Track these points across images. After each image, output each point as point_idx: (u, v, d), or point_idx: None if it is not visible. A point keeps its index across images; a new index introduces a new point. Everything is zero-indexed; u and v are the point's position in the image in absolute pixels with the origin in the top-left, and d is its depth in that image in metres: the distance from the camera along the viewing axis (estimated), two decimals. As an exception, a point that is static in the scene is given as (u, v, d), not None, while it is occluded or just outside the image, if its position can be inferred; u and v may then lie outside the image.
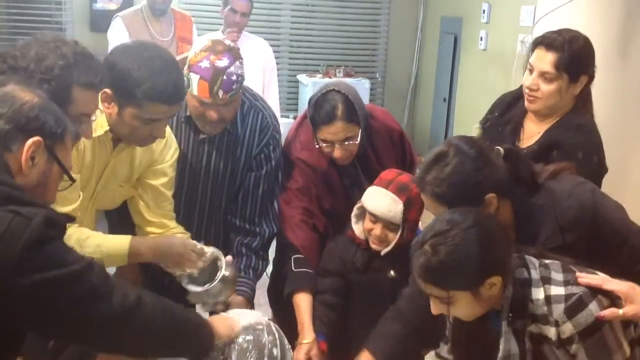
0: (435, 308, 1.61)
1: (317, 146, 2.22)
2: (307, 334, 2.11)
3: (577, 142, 2.14)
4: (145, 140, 1.96)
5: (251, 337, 1.69)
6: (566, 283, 1.55)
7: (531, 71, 2.20)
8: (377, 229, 2.09)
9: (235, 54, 2.03)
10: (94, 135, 1.86)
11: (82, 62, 1.66)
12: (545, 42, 2.17)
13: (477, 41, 4.76)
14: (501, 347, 1.59)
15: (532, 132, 2.28)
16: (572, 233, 1.74)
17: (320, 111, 2.18)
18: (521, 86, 2.32)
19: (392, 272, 2.13)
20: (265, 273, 2.38)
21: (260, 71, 4.10)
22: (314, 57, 5.71)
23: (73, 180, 1.51)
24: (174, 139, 2.15)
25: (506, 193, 1.75)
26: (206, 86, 1.99)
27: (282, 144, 2.39)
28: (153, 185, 2.12)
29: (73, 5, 5.06)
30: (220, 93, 2.00)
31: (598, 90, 3.28)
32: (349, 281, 2.20)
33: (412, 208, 2.05)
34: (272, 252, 2.44)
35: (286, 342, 1.76)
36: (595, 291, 1.54)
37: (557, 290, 1.55)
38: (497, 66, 4.47)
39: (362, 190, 2.20)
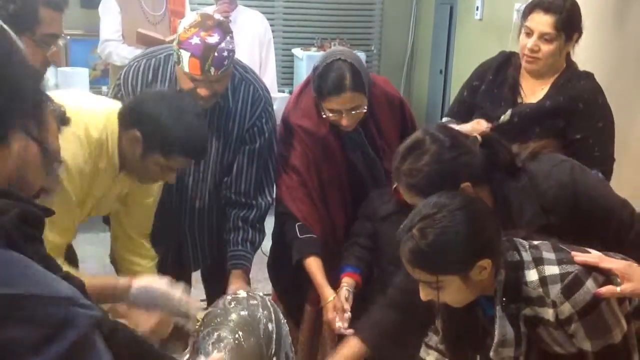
0: (424, 294, 1.59)
1: (323, 116, 2.22)
2: (327, 293, 2.17)
3: (594, 87, 2.37)
4: (154, 181, 2.01)
5: (246, 313, 1.68)
6: (559, 262, 1.53)
7: (529, 34, 2.32)
8: None
9: (225, 29, 2.01)
10: (100, 165, 1.87)
11: None
12: (542, 5, 2.29)
13: (473, 11, 4.70)
14: (496, 332, 1.56)
15: (533, 89, 2.41)
16: (555, 213, 1.73)
17: (327, 82, 2.16)
18: (502, 52, 2.54)
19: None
20: (261, 250, 2.37)
21: (256, 45, 4.01)
22: (309, 30, 5.65)
23: (55, 160, 1.33)
24: None
25: (483, 180, 1.74)
26: (197, 63, 1.97)
27: (281, 114, 2.38)
28: (141, 203, 2.13)
29: (63, -19, 4.99)
30: (212, 70, 1.98)
31: (595, 54, 3.26)
32: (375, 229, 2.27)
33: None
34: (269, 228, 2.43)
35: (281, 316, 1.75)
36: (590, 269, 1.52)
37: (551, 270, 1.52)
38: (494, 36, 4.42)
39: (365, 156, 2.27)
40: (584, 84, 2.37)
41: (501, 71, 2.47)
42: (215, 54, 1.97)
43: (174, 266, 2.36)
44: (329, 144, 2.31)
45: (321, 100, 2.21)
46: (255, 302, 1.72)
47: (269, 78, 3.97)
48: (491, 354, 1.59)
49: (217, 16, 2.06)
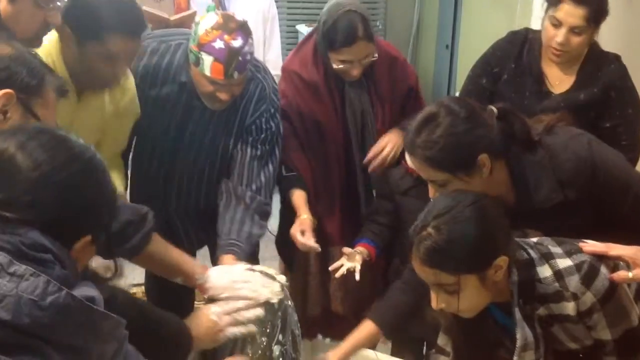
0: (439, 300, 1.53)
1: (337, 68, 2.26)
2: (303, 212, 2.24)
3: (622, 71, 2.31)
4: (109, 81, 1.90)
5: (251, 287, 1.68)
6: (568, 253, 1.51)
7: (556, 26, 2.18)
8: None
9: (246, 31, 1.98)
10: None
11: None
12: None
13: (479, -15, 4.65)
14: (518, 336, 1.52)
15: (559, 77, 2.32)
16: (572, 187, 1.70)
17: (338, 33, 2.21)
18: (515, 34, 2.41)
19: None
20: (268, 230, 2.37)
21: (260, 21, 3.93)
22: (313, 6, 5.57)
23: None
24: (131, 85, 2.11)
25: (500, 153, 1.70)
26: (221, 68, 1.94)
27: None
28: (116, 130, 2.11)
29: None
30: (235, 74, 1.96)
31: (606, 30, 3.21)
32: (396, 203, 2.31)
33: None
34: (275, 208, 2.43)
35: (287, 293, 1.75)
36: (599, 256, 1.50)
37: (564, 263, 1.50)
38: (501, 10, 4.37)
39: (364, 105, 2.35)
40: (614, 69, 2.29)
41: (520, 58, 2.36)
42: (240, 58, 1.94)
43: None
44: (321, 91, 2.35)
45: (333, 51, 2.25)
46: (260, 278, 1.71)
47: (274, 54, 3.92)
48: (515, 359, 1.54)
49: (239, 17, 2.01)
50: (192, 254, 2.46)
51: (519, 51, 2.36)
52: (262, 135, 2.19)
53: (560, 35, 2.19)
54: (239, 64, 1.94)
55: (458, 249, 1.46)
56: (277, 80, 2.42)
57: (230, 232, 2.09)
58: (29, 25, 1.63)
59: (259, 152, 2.19)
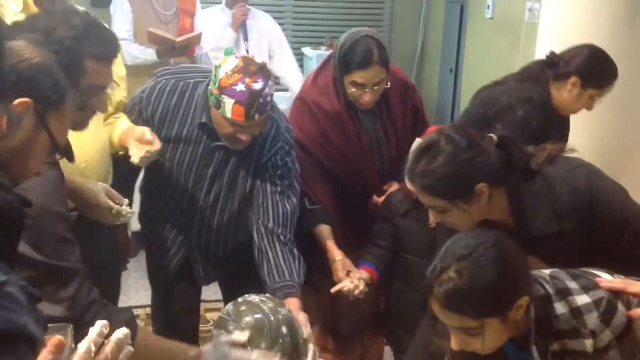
0: (458, 342, 1.49)
1: (348, 91, 2.31)
2: (335, 253, 2.29)
3: None
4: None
5: (259, 316, 1.67)
6: (585, 289, 1.48)
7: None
8: None
9: (266, 73, 2.00)
10: None
11: (93, 33, 1.60)
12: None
13: (484, 9, 4.68)
14: None
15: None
16: (568, 219, 1.69)
17: (355, 55, 2.27)
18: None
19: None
20: None
21: (265, 47, 4.31)
22: (318, 28, 5.63)
23: (61, 153, 1.36)
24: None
25: (499, 181, 1.70)
26: (242, 111, 1.95)
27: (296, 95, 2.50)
28: None
29: (73, -20, 5.00)
30: (257, 116, 1.98)
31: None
32: (396, 225, 2.34)
33: None
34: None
35: (296, 323, 1.74)
36: (615, 292, 1.48)
37: (582, 300, 1.46)
38: (505, 35, 4.40)
39: (378, 134, 2.40)
40: None
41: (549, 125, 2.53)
42: (261, 100, 1.96)
43: (182, 283, 2.40)
44: (344, 120, 2.39)
45: (346, 73, 2.30)
46: (270, 305, 1.71)
47: (293, 69, 4.48)
48: None
49: (258, 60, 2.03)
50: (203, 285, 2.48)
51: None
52: (279, 172, 2.19)
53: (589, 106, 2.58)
54: (260, 105, 1.97)
55: (481, 294, 1.42)
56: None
57: (283, 274, 2.06)
58: (75, 114, 1.62)
59: (278, 188, 2.19)
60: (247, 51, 4.08)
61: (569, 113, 2.64)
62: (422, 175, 1.68)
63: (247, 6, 4.22)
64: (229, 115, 1.98)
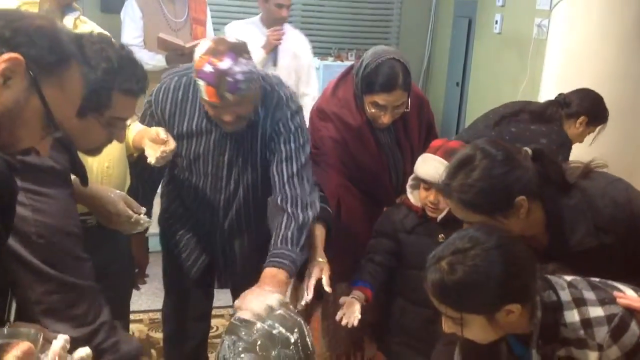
0: (447, 326, 1.54)
1: (369, 112, 2.32)
2: (319, 254, 2.19)
3: None
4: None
5: (270, 322, 1.67)
6: (602, 302, 1.48)
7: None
8: (431, 195, 2.19)
9: (238, 51, 1.96)
10: None
11: (126, 67, 1.62)
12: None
13: (492, 25, 4.70)
14: None
15: None
16: (609, 233, 1.68)
17: (379, 77, 2.26)
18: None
19: (441, 236, 2.19)
20: None
21: (293, 75, 4.02)
22: (326, 40, 5.64)
23: (54, 127, 1.21)
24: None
25: (537, 194, 1.69)
26: (213, 91, 1.95)
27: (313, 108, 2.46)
28: None
29: (84, -15, 5.02)
30: (229, 95, 1.95)
31: (618, 72, 3.25)
32: (399, 242, 2.30)
33: None
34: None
35: (306, 329, 1.74)
36: (632, 310, 1.47)
37: (595, 312, 1.47)
38: (513, 51, 4.41)
39: (393, 150, 2.40)
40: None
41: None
42: (228, 78, 1.93)
43: (199, 289, 2.41)
44: (365, 134, 2.39)
45: (369, 94, 2.29)
46: (279, 312, 1.71)
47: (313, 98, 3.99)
48: None
49: (232, 39, 2.01)
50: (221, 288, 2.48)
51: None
52: (282, 137, 2.16)
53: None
54: (229, 84, 1.93)
55: (465, 293, 1.45)
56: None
57: (277, 242, 2.05)
58: (93, 140, 1.66)
59: (283, 155, 2.15)
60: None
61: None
62: (460, 190, 1.66)
63: (286, 24, 3.97)
64: (205, 97, 1.99)
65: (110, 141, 1.70)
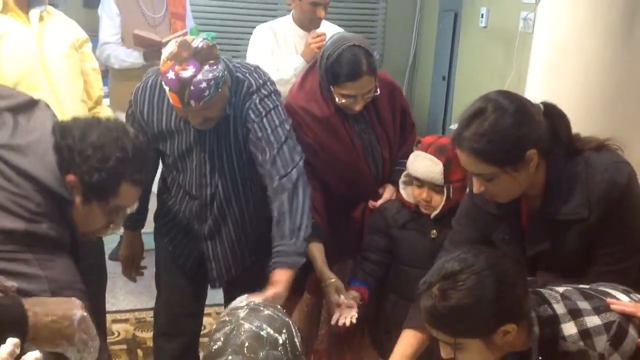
0: (444, 352, 1.52)
1: (337, 102, 2.27)
2: (328, 274, 2.22)
3: None
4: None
5: (258, 323, 1.65)
6: (597, 311, 1.47)
7: None
8: (424, 193, 2.18)
9: (202, 58, 1.93)
10: None
11: (138, 158, 1.64)
12: None
13: (477, 18, 4.69)
14: None
15: None
16: (598, 209, 1.66)
17: (343, 67, 2.21)
18: None
19: (433, 232, 2.20)
20: None
21: None
22: (312, 34, 5.62)
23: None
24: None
25: (546, 151, 1.67)
26: (176, 98, 1.93)
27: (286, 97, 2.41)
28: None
29: (66, -20, 4.95)
30: (192, 103, 1.93)
31: (603, 70, 3.24)
32: (392, 238, 2.30)
33: (453, 168, 2.10)
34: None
35: (294, 329, 1.73)
36: (627, 315, 1.47)
37: (593, 322, 1.46)
38: (499, 44, 4.41)
39: (369, 137, 2.37)
40: None
41: None
42: (192, 87, 1.90)
43: (190, 286, 2.41)
44: (335, 125, 2.35)
45: (336, 85, 2.25)
46: (267, 312, 1.69)
47: None
48: None
49: (196, 43, 1.96)
50: (215, 287, 2.45)
51: None
52: (256, 124, 2.12)
53: None
54: (192, 92, 1.91)
55: (459, 318, 1.44)
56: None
57: (275, 236, 2.03)
58: (92, 226, 1.68)
59: (263, 142, 2.10)
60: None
61: None
62: (472, 139, 1.63)
63: (324, 22, 3.42)
64: (170, 101, 1.98)
65: (108, 228, 1.73)
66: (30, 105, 1.70)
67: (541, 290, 1.55)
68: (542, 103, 1.73)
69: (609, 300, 1.49)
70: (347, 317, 2.12)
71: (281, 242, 2.00)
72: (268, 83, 2.19)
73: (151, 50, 3.71)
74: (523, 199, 1.77)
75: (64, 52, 2.42)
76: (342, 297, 2.17)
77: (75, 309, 1.38)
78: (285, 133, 2.13)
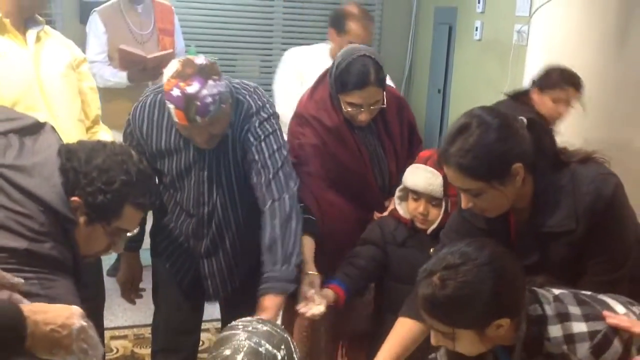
0: (436, 339, 1.55)
1: (344, 110, 2.30)
2: (309, 267, 2.20)
3: None
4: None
5: (257, 340, 1.65)
6: (586, 318, 1.48)
7: None
8: (420, 206, 2.16)
9: (206, 74, 1.95)
10: None
11: (142, 181, 1.66)
12: None
13: (472, 31, 4.72)
14: None
15: None
16: (584, 220, 1.67)
17: (351, 76, 2.25)
18: None
19: (432, 250, 2.13)
20: None
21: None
22: (308, 35, 5.60)
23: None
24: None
25: (531, 165, 1.69)
26: (182, 115, 1.95)
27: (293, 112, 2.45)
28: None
29: (62, -3, 4.97)
30: (198, 118, 1.95)
31: (596, 80, 3.27)
32: (387, 254, 2.27)
33: None
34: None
35: (293, 347, 1.73)
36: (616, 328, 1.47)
37: (579, 328, 1.47)
38: (493, 57, 4.43)
39: (376, 149, 2.38)
40: None
41: None
42: (198, 102, 1.92)
43: (187, 302, 2.40)
44: (344, 134, 2.37)
45: (343, 93, 2.29)
46: (265, 328, 1.69)
47: None
48: None
49: (199, 61, 1.99)
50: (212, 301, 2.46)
51: None
52: (254, 147, 2.14)
53: None
54: (199, 108, 1.92)
55: (456, 308, 1.46)
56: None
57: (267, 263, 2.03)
58: (93, 247, 1.70)
59: (259, 164, 2.12)
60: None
61: None
62: (458, 155, 1.64)
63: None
64: (175, 119, 1.99)
65: (108, 250, 1.74)
66: (36, 127, 1.73)
67: (537, 289, 1.57)
68: (524, 117, 1.74)
69: (605, 312, 1.49)
70: (311, 309, 2.10)
71: (273, 268, 2.01)
72: (267, 105, 2.20)
73: (135, 70, 3.71)
74: (511, 212, 1.78)
75: (61, 72, 2.43)
76: (312, 291, 2.16)
77: (75, 318, 1.40)
78: (282, 159, 2.15)
